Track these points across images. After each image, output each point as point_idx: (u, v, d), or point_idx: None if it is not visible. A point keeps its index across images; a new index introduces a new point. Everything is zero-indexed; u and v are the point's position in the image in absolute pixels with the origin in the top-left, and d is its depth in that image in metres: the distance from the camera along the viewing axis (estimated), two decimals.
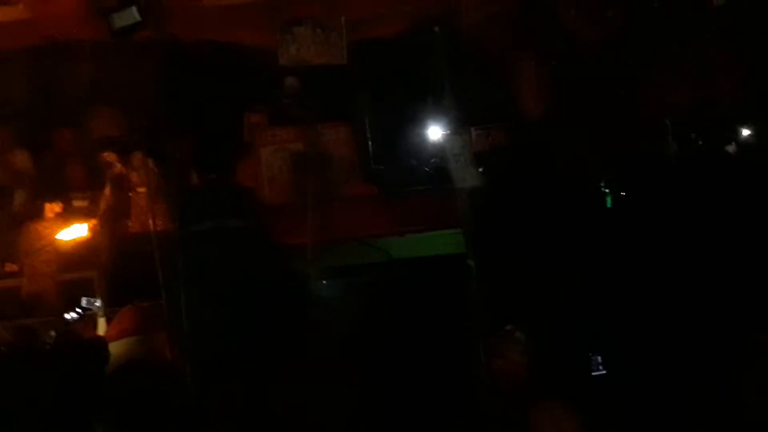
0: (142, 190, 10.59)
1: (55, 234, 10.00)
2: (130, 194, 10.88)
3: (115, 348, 7.25)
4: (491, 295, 6.65)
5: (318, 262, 8.72)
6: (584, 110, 10.32)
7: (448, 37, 8.02)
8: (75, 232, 9.99)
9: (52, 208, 10.05)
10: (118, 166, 10.97)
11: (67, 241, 10.03)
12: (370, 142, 12.49)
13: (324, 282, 8.69)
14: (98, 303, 8.22)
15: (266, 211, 10.70)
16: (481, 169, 7.94)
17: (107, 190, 10.87)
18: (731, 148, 10.63)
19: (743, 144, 10.76)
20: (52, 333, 7.72)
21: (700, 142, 10.64)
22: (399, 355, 7.69)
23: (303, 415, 7.13)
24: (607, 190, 10.09)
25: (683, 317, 7.85)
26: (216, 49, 10.32)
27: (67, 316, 8.34)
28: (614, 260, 8.51)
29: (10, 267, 10.20)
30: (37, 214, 10.23)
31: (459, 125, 7.53)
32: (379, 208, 11.41)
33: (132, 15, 7.82)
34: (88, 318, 8.19)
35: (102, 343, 7.04)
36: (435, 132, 12.00)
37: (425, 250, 10.54)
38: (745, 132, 10.84)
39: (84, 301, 8.24)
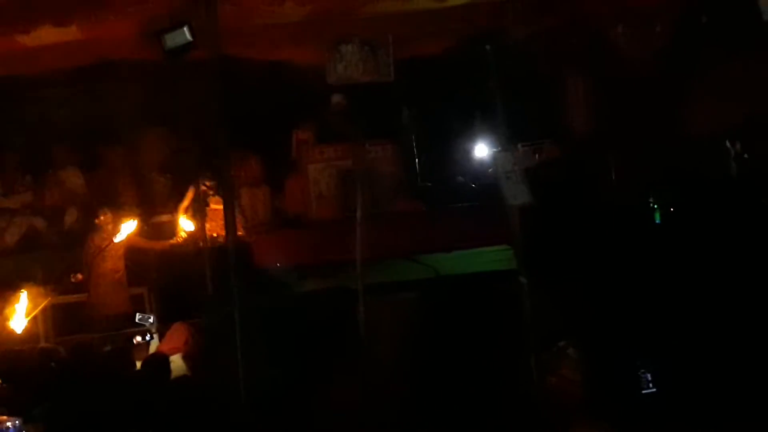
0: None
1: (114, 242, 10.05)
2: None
3: None
4: (543, 311, 6.64)
5: (366, 279, 8.73)
6: (632, 126, 10.29)
7: (496, 54, 8.03)
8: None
9: (105, 220, 10.05)
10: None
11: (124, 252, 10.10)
12: (417, 159, 12.52)
13: (372, 298, 8.71)
14: (152, 319, 8.27)
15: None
16: (530, 185, 7.93)
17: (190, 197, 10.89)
18: None
19: None
20: (108, 348, 7.80)
21: (749, 159, 10.56)
22: (449, 372, 7.68)
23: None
24: (656, 206, 10.03)
25: (734, 334, 7.78)
26: (265, 68, 10.41)
27: (138, 338, 8.38)
28: (665, 276, 8.46)
29: (75, 278, 10.08)
30: (92, 229, 10.24)
31: (508, 142, 7.53)
32: (427, 225, 11.43)
33: (183, 35, 7.91)
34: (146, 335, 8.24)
35: (163, 359, 7.06)
36: (482, 149, 12.01)
37: (473, 266, 10.54)
38: None
39: (138, 317, 8.29)
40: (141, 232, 10.22)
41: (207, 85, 7.42)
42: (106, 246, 9.87)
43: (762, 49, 9.61)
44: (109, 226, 9.96)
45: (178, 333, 7.93)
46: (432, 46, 10.66)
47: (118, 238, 9.85)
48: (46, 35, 8.67)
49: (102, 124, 11.24)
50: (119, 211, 10.22)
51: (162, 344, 7.98)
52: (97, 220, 10.10)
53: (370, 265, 9.04)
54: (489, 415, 6.68)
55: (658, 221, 9.89)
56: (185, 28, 7.91)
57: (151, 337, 8.29)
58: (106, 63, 9.72)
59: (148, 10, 8.30)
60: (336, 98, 11.44)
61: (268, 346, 8.15)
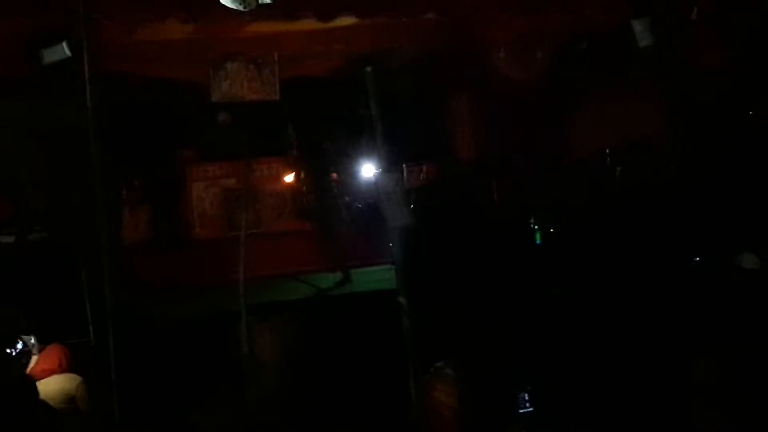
0: None
1: None
2: None
3: (39, 387, 7.07)
4: (422, 332, 6.68)
5: (249, 299, 8.66)
6: (514, 148, 10.45)
7: (381, 75, 8.08)
8: None
9: None
10: None
11: None
12: (302, 179, 12.47)
13: (254, 318, 8.64)
14: (33, 340, 7.96)
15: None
16: (412, 206, 7.99)
17: None
18: (657, 183, 10.82)
19: (669, 179, 10.94)
20: None
21: (626, 178, 10.82)
22: (329, 392, 7.68)
23: None
24: (536, 227, 10.21)
25: (610, 353, 7.93)
26: (147, 85, 10.24)
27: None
28: (544, 296, 8.61)
29: None
30: None
31: (391, 163, 7.57)
32: (311, 244, 11.41)
33: (62, 50, 7.75)
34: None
35: (29, 382, 6.83)
36: (367, 169, 12.03)
37: (357, 286, 10.57)
38: (672, 168, 11.03)
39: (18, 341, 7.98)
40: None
41: (86, 102, 7.26)
42: None
43: (638, 75, 9.91)
44: None
45: (53, 354, 7.68)
46: (318, 66, 10.66)
47: None
48: None
49: None
50: None
51: (35, 366, 7.71)
52: None
53: (253, 285, 8.98)
54: None
55: (538, 242, 10.08)
56: (64, 43, 7.75)
57: (29, 360, 7.97)
58: None
59: (27, 24, 8.10)
60: (221, 116, 11.34)
61: (148, 369, 8.01)
